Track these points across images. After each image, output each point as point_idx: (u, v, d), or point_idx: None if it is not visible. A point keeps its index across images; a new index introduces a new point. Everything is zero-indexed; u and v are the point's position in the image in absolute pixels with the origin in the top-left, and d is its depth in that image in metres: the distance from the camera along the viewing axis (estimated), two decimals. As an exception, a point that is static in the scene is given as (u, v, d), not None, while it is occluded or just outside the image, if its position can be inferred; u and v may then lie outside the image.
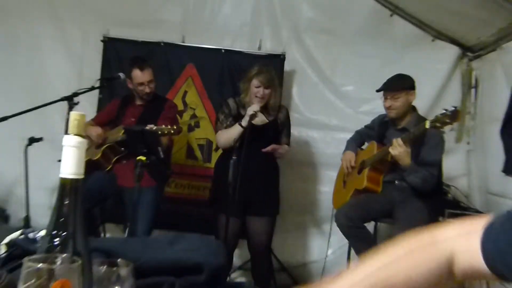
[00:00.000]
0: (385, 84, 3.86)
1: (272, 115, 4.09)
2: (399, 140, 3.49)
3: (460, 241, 0.92)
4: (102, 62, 4.92)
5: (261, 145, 3.99)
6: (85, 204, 3.15)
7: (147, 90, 4.06)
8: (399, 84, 3.82)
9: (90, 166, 3.98)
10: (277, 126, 4.11)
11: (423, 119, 3.74)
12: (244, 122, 3.89)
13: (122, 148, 3.99)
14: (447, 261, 0.91)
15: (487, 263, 0.87)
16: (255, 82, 3.95)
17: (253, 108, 3.86)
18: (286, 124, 4.18)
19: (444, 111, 3.30)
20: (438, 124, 3.32)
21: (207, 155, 4.89)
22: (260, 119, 3.93)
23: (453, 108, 3.28)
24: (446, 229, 0.95)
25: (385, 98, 3.85)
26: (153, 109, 4.12)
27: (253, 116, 3.85)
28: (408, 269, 0.93)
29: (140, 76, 4.02)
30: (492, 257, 0.86)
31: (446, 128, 3.46)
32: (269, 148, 4.02)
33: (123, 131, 3.86)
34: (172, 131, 3.65)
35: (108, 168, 4.03)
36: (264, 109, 4.05)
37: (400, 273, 0.93)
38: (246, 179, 3.67)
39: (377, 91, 3.89)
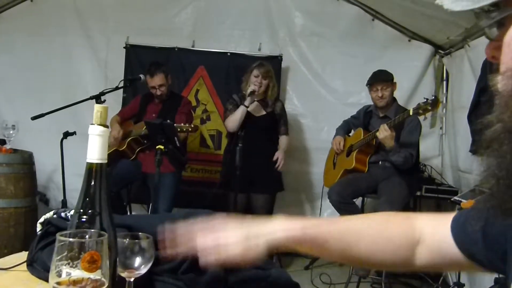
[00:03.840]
0: (375, 77, 3.85)
1: (270, 107, 4.10)
2: (385, 126, 3.48)
3: (432, 224, 0.89)
4: (125, 65, 4.88)
5: (261, 133, 4.00)
6: (114, 186, 3.16)
7: (158, 93, 4.06)
8: (387, 76, 3.82)
9: (117, 155, 4.00)
10: (275, 117, 4.13)
11: (403, 108, 3.75)
12: (247, 102, 3.97)
13: (145, 141, 4.00)
14: (415, 239, 0.88)
15: (456, 240, 0.83)
16: (255, 72, 4.01)
17: (251, 88, 3.95)
18: (283, 115, 4.21)
19: (425, 99, 3.30)
20: (420, 111, 3.35)
21: (217, 143, 4.88)
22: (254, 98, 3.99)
23: (433, 97, 3.31)
24: (422, 215, 0.92)
25: (375, 90, 3.83)
26: (170, 106, 4.12)
27: (251, 93, 3.93)
28: (378, 233, 0.90)
29: (150, 81, 4.04)
30: (458, 233, 0.83)
31: (428, 114, 3.46)
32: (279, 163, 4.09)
33: (145, 126, 3.86)
34: (190, 129, 3.69)
35: (133, 158, 4.04)
36: (263, 102, 4.07)
37: (370, 235, 0.90)
38: (250, 162, 3.68)
39: (370, 83, 3.86)
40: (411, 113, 3.38)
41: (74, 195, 4.44)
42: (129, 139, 4.03)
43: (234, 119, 4.02)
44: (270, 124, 4.12)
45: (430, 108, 3.29)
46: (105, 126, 0.90)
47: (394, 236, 0.89)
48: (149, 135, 3.76)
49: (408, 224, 0.90)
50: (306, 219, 0.93)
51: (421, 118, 3.65)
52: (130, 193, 4.35)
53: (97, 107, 0.90)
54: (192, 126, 3.71)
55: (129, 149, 4.04)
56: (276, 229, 0.91)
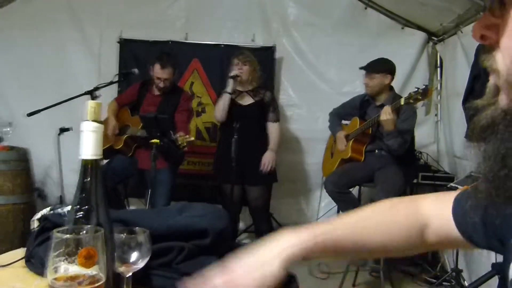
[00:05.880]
0: (367, 64, 3.86)
1: (258, 96, 4.09)
2: (389, 109, 3.46)
3: (436, 207, 0.89)
4: (119, 60, 4.87)
5: (252, 123, 3.98)
6: (110, 181, 3.13)
7: (161, 85, 3.96)
8: (376, 67, 3.82)
9: (114, 151, 3.97)
10: (263, 106, 4.10)
11: (399, 97, 3.73)
12: (229, 88, 3.94)
13: (141, 140, 3.91)
14: (422, 223, 0.89)
15: (457, 226, 0.85)
16: (235, 61, 4.02)
17: (233, 72, 3.94)
18: (273, 103, 4.16)
19: (416, 89, 3.30)
20: (411, 101, 3.32)
21: (213, 136, 4.88)
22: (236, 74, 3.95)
23: (424, 86, 3.28)
24: (425, 197, 0.93)
25: (365, 76, 3.85)
26: (170, 100, 4.03)
27: (233, 77, 3.92)
28: (388, 222, 0.90)
29: (159, 72, 3.92)
30: (460, 220, 0.84)
31: (418, 104, 3.45)
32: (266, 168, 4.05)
33: (141, 124, 3.83)
34: (185, 144, 3.50)
35: (130, 154, 4.01)
36: (251, 92, 4.05)
37: (380, 225, 0.90)
38: (243, 153, 3.68)
39: (360, 68, 3.88)
40: (402, 103, 3.37)
41: (71, 191, 4.46)
42: (125, 136, 3.99)
43: (219, 108, 4.00)
44: (260, 113, 4.08)
45: (421, 97, 3.27)
46: (99, 122, 0.90)
47: (404, 223, 0.90)
48: (144, 128, 3.74)
49: (414, 208, 0.91)
50: (312, 226, 0.90)
51: (418, 106, 3.65)
52: (127, 188, 4.35)
53: (90, 103, 0.91)
54: (188, 140, 3.51)
55: (126, 146, 3.99)
56: (286, 246, 0.86)
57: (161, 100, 4.06)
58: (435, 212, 0.89)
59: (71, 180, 4.46)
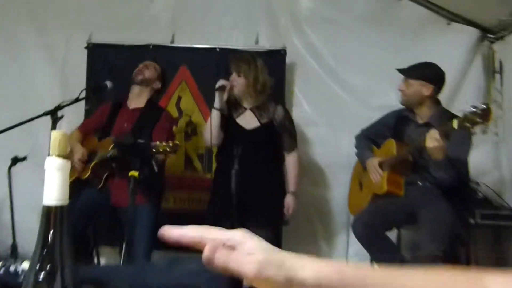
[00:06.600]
0: (407, 67, 3.87)
1: (266, 116, 4.10)
2: (436, 133, 3.36)
3: None
4: (87, 70, 4.90)
5: (258, 151, 3.99)
6: (77, 225, 3.12)
7: (139, 67, 4.13)
8: (416, 72, 3.82)
9: (80, 184, 3.96)
10: (274, 128, 4.11)
11: (448, 114, 3.68)
12: (216, 102, 4.01)
13: (113, 164, 3.93)
14: None
15: None
16: (231, 70, 4.09)
17: (220, 82, 4.00)
18: (287, 124, 4.16)
19: (474, 109, 3.13)
20: (467, 124, 3.18)
21: (207, 164, 4.84)
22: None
23: (484, 106, 3.12)
24: (489, 276, 0.88)
25: (403, 81, 3.88)
26: (148, 117, 4.08)
27: (220, 89, 3.99)
28: None
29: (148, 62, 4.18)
30: None
31: (477, 128, 3.37)
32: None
33: (112, 145, 3.83)
34: (168, 149, 3.54)
35: (100, 186, 3.99)
36: (256, 110, 4.09)
37: None
38: (245, 188, 3.68)
39: (397, 69, 3.90)
40: (455, 126, 3.25)
41: (26, 237, 4.44)
42: (92, 163, 3.96)
43: (207, 128, 4.04)
44: (268, 138, 4.09)
45: (480, 120, 3.12)
46: (66, 157, 0.92)
47: None
48: (120, 158, 3.74)
49: None
50: (341, 261, 0.92)
51: (476, 131, 3.58)
52: (97, 234, 4.30)
53: (55, 134, 0.91)
54: (171, 144, 3.56)
55: (94, 175, 3.97)
56: (305, 265, 0.88)
57: (139, 117, 4.09)
58: None
59: (26, 224, 4.41)
